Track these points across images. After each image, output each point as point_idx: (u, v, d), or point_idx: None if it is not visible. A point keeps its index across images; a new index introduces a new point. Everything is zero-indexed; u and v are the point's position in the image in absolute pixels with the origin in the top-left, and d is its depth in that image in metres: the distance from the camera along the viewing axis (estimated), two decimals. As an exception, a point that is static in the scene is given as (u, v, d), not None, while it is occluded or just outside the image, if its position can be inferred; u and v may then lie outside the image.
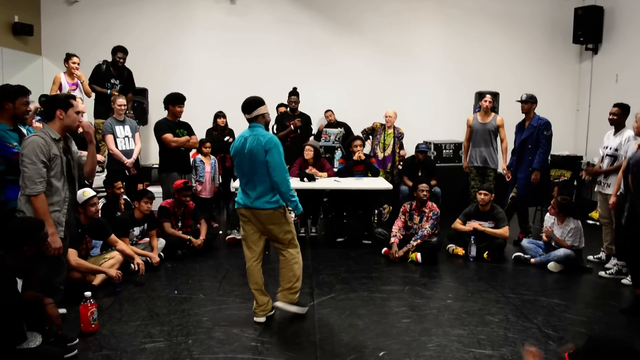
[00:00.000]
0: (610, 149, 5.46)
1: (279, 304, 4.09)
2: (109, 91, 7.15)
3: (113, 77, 7.24)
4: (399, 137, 7.60)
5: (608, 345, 2.06)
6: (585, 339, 2.12)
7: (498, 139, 7.09)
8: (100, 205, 5.80)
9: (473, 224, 5.96)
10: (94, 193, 4.73)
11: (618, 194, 5.05)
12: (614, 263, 5.31)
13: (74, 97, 3.70)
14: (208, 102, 8.33)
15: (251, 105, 3.96)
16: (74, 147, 3.71)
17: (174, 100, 6.05)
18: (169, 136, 5.99)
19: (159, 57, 8.90)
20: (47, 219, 3.37)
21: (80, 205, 4.57)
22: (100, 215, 5.70)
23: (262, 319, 4.05)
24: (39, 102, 5.89)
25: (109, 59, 7.27)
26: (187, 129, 6.26)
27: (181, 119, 6.23)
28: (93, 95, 7.26)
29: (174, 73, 8.89)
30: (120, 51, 7.24)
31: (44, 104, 3.63)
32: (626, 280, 5.03)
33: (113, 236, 4.92)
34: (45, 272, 3.42)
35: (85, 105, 6.34)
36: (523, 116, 6.46)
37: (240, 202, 4.00)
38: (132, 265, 4.92)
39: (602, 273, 5.29)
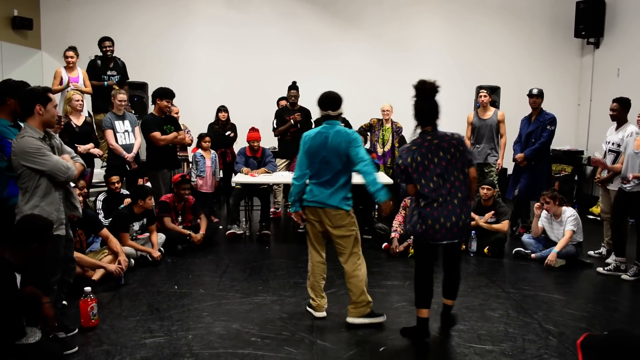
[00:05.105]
0: (613, 144, 5.44)
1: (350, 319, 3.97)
2: (105, 83, 7.15)
3: (109, 69, 7.23)
4: (397, 131, 7.57)
5: (628, 342, 1.98)
6: (600, 331, 2.04)
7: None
8: (101, 198, 5.84)
9: (478, 221, 5.93)
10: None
11: (617, 188, 5.05)
12: (613, 259, 5.29)
13: (50, 91, 3.56)
14: (208, 97, 8.32)
15: (336, 101, 3.89)
16: (57, 140, 3.59)
17: (162, 94, 5.96)
18: (157, 134, 5.90)
19: (159, 51, 8.88)
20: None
21: None
22: (101, 210, 5.74)
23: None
24: None
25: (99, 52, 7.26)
26: (174, 124, 6.18)
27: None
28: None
29: (175, 68, 8.87)
30: (106, 40, 7.22)
31: (20, 99, 3.43)
32: (626, 276, 5.02)
33: (105, 230, 4.88)
34: (41, 271, 3.33)
35: (84, 99, 6.32)
36: (524, 110, 6.44)
37: (308, 198, 3.87)
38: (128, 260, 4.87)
39: (600, 269, 5.26)
